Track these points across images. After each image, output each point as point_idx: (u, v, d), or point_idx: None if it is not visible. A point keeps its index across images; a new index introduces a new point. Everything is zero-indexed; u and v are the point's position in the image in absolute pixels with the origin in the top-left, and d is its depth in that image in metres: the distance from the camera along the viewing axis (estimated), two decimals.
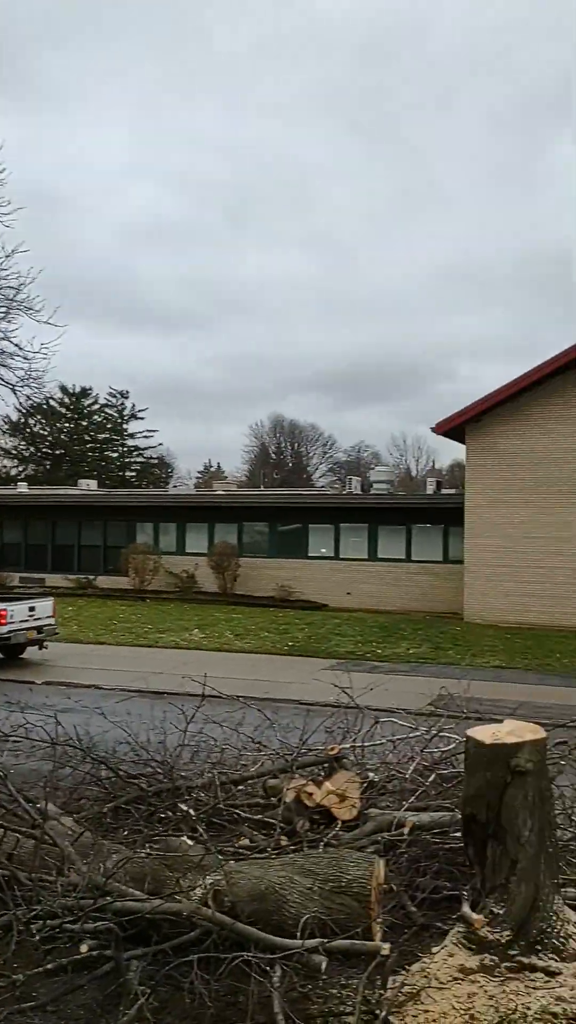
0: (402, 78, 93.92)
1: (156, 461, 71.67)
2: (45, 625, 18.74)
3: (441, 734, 7.36)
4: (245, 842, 6.04)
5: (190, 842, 5.27)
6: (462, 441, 26.86)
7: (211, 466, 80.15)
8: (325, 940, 4.28)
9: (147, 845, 5.49)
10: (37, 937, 4.21)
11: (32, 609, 18.52)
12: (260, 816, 6.45)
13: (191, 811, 6.28)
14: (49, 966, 4.19)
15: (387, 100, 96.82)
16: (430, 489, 38.39)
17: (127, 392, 69.14)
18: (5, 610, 17.72)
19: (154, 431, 69.38)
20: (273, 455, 79.09)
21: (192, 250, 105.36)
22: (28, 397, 17.10)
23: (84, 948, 4.39)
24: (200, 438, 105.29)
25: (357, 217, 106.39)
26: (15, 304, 15.61)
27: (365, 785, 6.57)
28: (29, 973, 4.27)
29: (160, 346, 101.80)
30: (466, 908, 5.00)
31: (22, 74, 76.41)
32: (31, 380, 16.22)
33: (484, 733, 5.20)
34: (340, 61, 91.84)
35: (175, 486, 60.34)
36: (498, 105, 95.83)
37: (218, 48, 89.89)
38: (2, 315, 15.66)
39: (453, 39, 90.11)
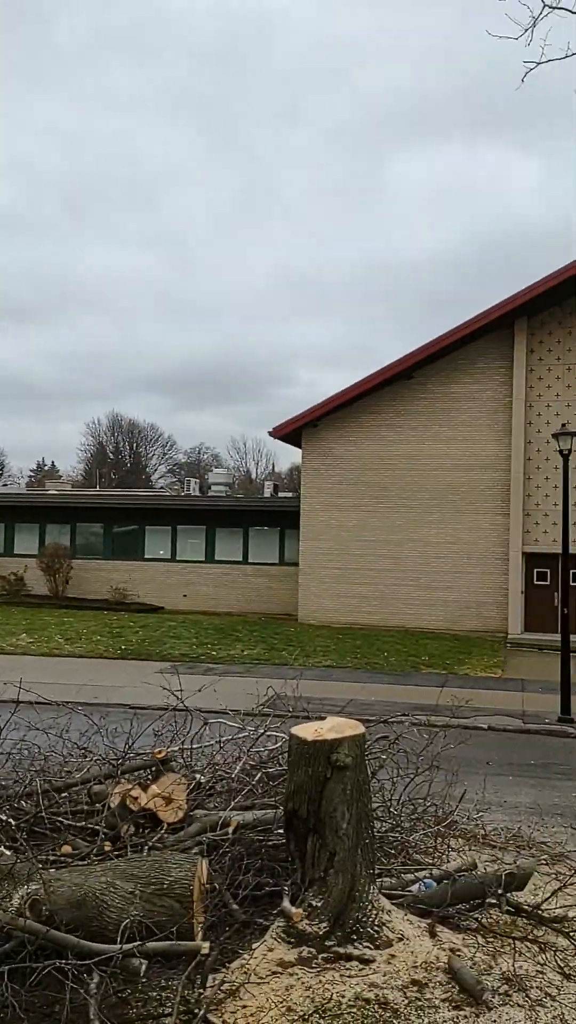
0: (247, 86, 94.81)
1: None
2: None
3: (268, 733, 7.47)
4: (68, 849, 5.91)
5: (7, 852, 5.11)
6: (299, 445, 27.39)
7: (45, 465, 77.80)
8: (143, 943, 4.26)
9: None
10: None
11: None
12: (84, 823, 6.32)
13: (11, 820, 6.08)
14: None
15: (231, 106, 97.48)
16: (267, 492, 38.92)
17: None
18: None
19: None
20: (111, 455, 77.68)
21: (30, 241, 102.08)
22: None
23: None
24: (35, 436, 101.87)
25: (200, 219, 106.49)
26: None
27: (192, 787, 6.58)
28: None
29: None
30: (286, 902, 5.12)
31: None
32: None
33: (306, 730, 5.34)
34: (186, 63, 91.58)
35: (5, 484, 58.04)
36: (339, 121, 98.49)
37: (62, 38, 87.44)
38: None
39: (298, 54, 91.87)
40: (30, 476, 72.80)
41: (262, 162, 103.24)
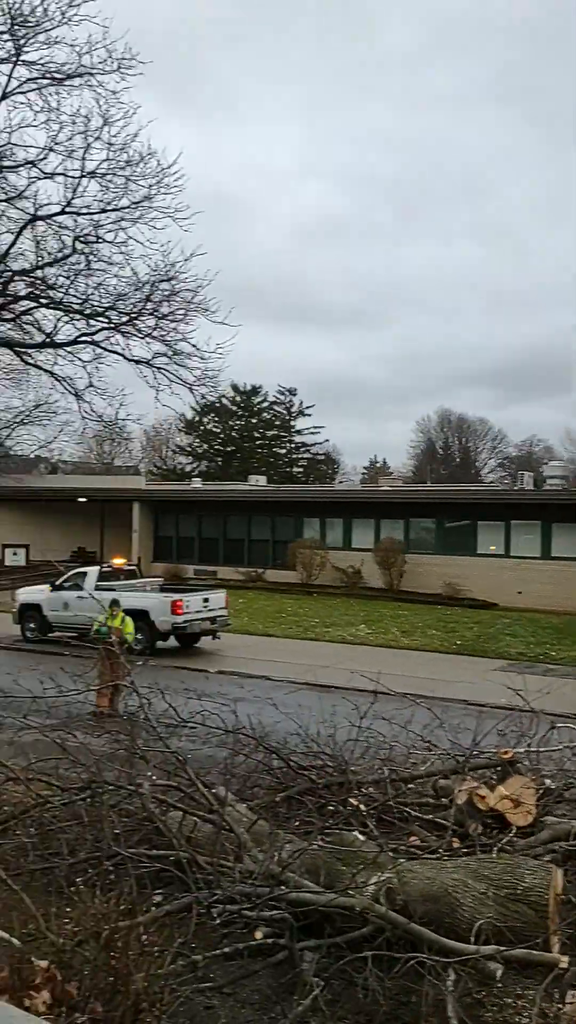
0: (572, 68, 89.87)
1: (322, 457, 72.26)
2: (218, 616, 19.37)
3: None
4: (416, 841, 6.00)
5: (362, 837, 5.29)
6: None
7: (377, 462, 80.00)
8: (502, 948, 4.17)
9: (320, 837, 5.55)
10: (217, 920, 4.34)
11: (206, 600, 19.18)
12: (431, 816, 6.37)
13: (362, 806, 6.29)
14: (226, 949, 4.32)
15: (559, 86, 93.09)
16: None
17: (295, 390, 70.04)
18: (181, 600, 18.45)
19: (320, 427, 69.92)
20: (440, 450, 77.94)
21: (360, 246, 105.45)
22: (203, 396, 17.64)
23: (259, 935, 4.50)
24: (366, 434, 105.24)
25: (528, 206, 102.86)
26: (192, 306, 16.11)
27: (541, 792, 6.36)
28: (208, 955, 4.42)
29: (327, 343, 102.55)
30: None
31: (193, 77, 78.81)
32: (207, 379, 16.72)
33: None
34: (509, 49, 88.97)
35: (340, 482, 60.68)
36: None
37: (386, 41, 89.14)
38: (180, 317, 16.20)
39: None
40: (363, 473, 75.34)
41: None
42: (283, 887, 4.50)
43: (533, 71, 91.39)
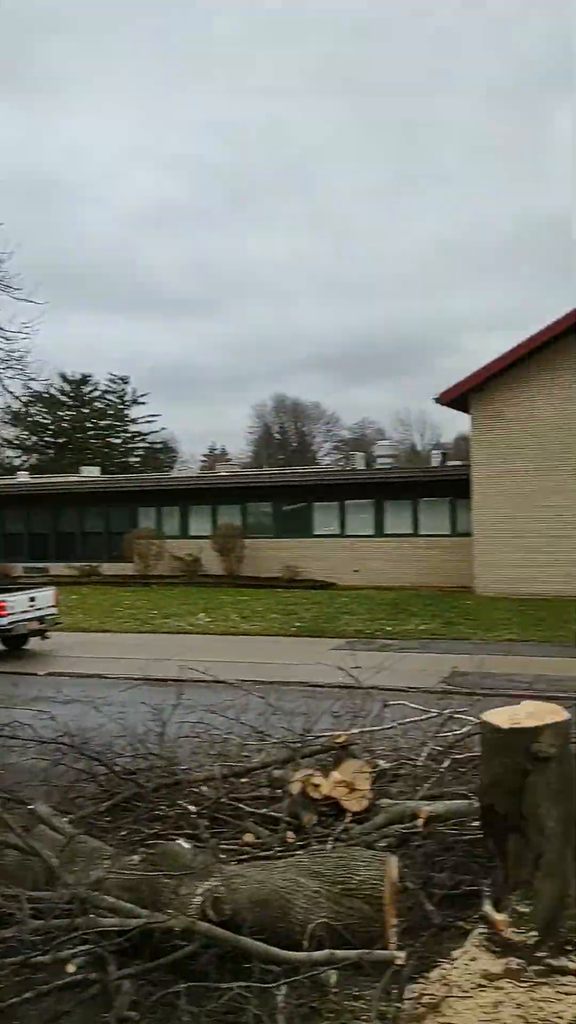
0: (399, 55, 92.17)
1: (160, 446, 71.08)
2: (47, 615, 18.38)
3: (455, 716, 6.95)
4: (250, 838, 5.66)
5: (186, 845, 4.88)
6: (466, 411, 26.33)
7: (216, 449, 79.63)
8: (333, 952, 3.89)
9: (141, 849, 5.10)
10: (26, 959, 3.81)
11: (32, 599, 18.14)
12: (265, 810, 6.06)
13: (191, 807, 5.91)
14: (28, 995, 3.79)
15: (385, 78, 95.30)
16: (435, 462, 37.93)
17: (127, 378, 68.48)
18: (4, 602, 17.36)
19: (156, 416, 68.71)
20: (277, 435, 78.52)
21: (194, 234, 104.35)
22: (25, 385, 16.61)
23: (71, 968, 4.01)
24: (205, 422, 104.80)
25: (357, 196, 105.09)
26: None
27: (375, 774, 6.17)
28: (19, 998, 3.90)
29: (163, 331, 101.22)
30: (487, 907, 4.61)
31: (20, 63, 75.26)
32: (13, 361, 15.68)
33: (500, 716, 4.79)
34: (338, 40, 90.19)
35: (180, 470, 59.83)
36: (495, 79, 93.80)
37: (217, 30, 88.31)
38: None
39: (450, 17, 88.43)
40: (202, 461, 74.74)
41: (418, 131, 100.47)
42: (90, 916, 4.02)
43: (354, 63, 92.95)
